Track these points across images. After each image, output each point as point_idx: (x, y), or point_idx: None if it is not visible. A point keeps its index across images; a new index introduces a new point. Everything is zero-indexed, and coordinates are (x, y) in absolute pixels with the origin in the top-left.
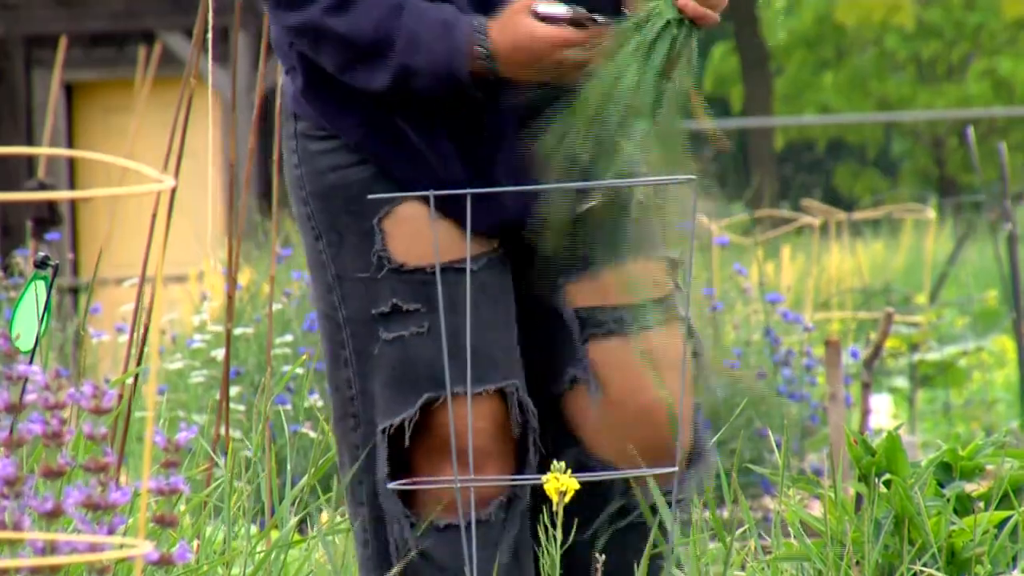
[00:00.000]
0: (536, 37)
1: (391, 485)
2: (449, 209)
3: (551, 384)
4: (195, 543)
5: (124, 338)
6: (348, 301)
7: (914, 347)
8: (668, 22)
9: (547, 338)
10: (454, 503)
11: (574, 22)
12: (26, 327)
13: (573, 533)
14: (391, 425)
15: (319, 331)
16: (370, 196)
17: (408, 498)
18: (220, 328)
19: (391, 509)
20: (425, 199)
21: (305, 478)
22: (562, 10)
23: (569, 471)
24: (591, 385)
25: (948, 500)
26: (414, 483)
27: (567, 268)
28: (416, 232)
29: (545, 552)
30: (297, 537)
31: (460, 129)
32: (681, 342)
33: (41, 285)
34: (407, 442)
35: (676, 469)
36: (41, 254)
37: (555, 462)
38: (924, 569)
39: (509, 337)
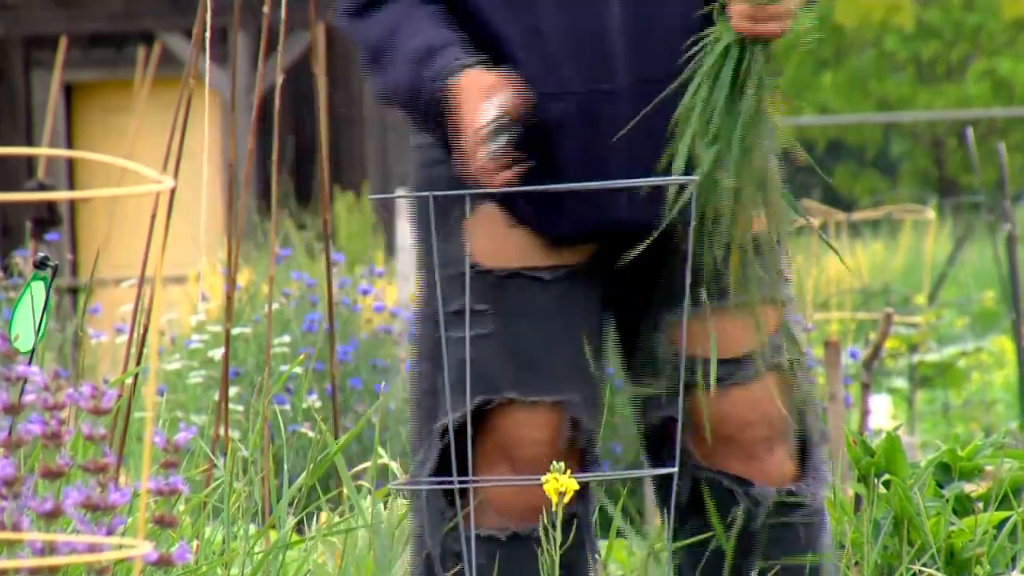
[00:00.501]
0: (468, 124)
1: (391, 486)
2: (522, 216)
3: (652, 410)
4: (194, 543)
5: (123, 338)
6: (429, 296)
7: (913, 348)
8: (728, 46)
9: (646, 365)
10: (503, 511)
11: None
12: (25, 328)
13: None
14: (442, 424)
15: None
16: (371, 197)
17: (460, 501)
18: (219, 328)
19: (435, 508)
20: (503, 202)
21: (302, 476)
22: (490, 117)
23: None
24: (685, 427)
25: (947, 501)
26: (414, 483)
27: (665, 302)
28: (494, 233)
29: (544, 553)
30: (296, 538)
31: (528, 139)
32: (775, 390)
33: (40, 286)
34: (454, 442)
35: (675, 470)
36: (40, 255)
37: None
38: (923, 569)
39: (580, 351)
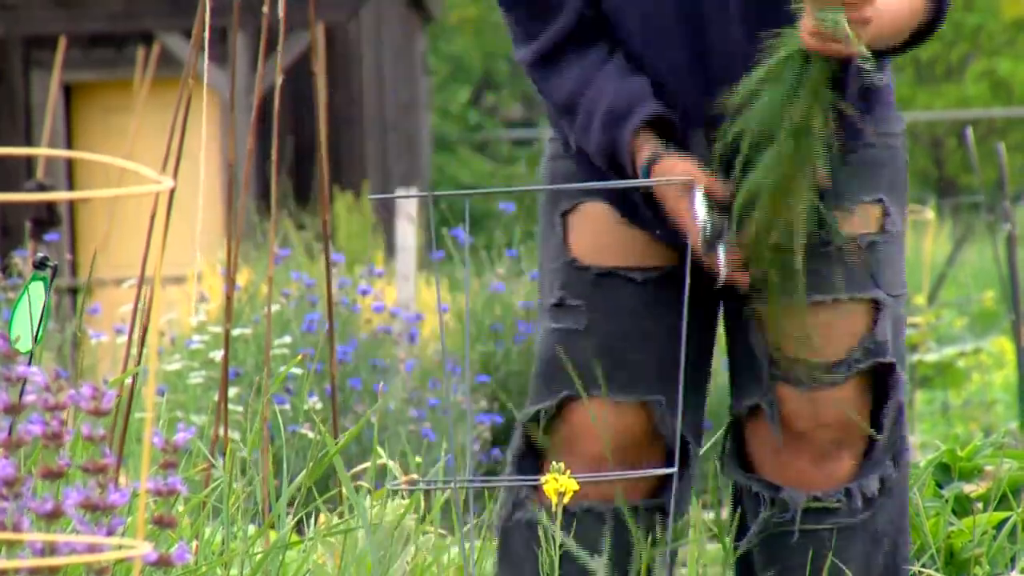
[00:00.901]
0: (673, 211)
1: (389, 486)
2: (633, 216)
3: (735, 401)
4: (194, 544)
5: (123, 339)
6: (540, 288)
7: (913, 348)
8: (790, 55)
9: (738, 358)
10: (581, 491)
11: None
12: (25, 328)
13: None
14: (527, 412)
15: None
16: (370, 197)
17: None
18: (219, 329)
19: (515, 485)
20: (614, 200)
21: (301, 475)
22: (701, 217)
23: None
24: (772, 420)
25: (947, 501)
26: (412, 483)
27: (760, 298)
28: (596, 230)
29: (545, 554)
30: (295, 538)
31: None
32: (859, 395)
33: (39, 286)
34: (541, 432)
35: (675, 470)
36: (40, 255)
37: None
38: (923, 570)
39: (667, 352)
